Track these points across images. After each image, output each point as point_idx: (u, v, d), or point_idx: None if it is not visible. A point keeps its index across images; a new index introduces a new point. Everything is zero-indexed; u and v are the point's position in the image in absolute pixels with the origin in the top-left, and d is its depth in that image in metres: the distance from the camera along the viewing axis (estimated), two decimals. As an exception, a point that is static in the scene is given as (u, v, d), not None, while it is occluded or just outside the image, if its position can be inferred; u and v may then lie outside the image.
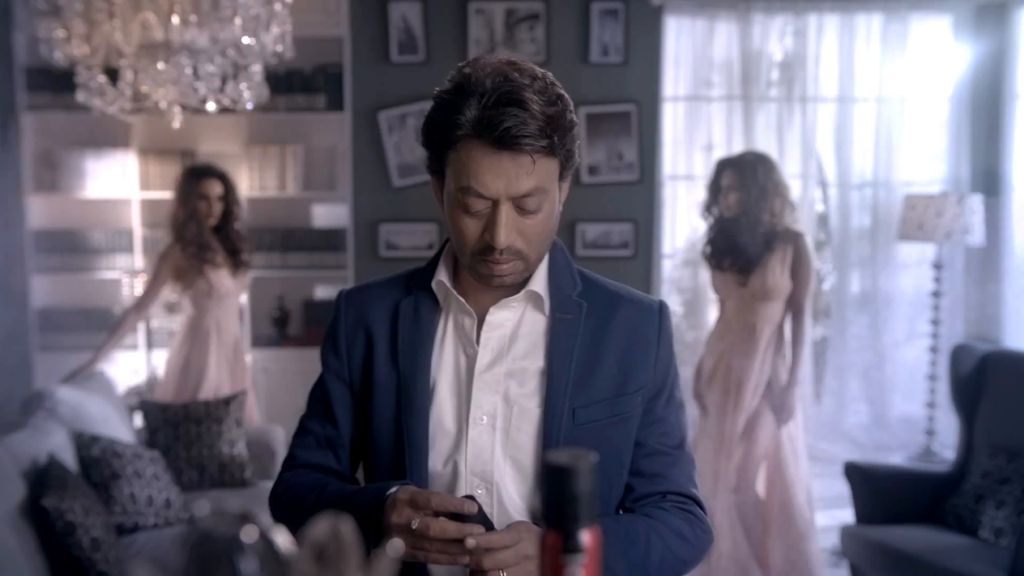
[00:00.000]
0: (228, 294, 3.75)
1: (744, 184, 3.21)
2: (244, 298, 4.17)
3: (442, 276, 1.25)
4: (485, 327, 1.24)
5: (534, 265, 1.22)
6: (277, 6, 3.12)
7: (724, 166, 3.33)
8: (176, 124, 3.29)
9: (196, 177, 3.70)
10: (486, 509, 1.18)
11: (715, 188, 3.33)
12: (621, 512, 1.28)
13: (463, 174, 1.14)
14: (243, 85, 3.20)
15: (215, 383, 3.71)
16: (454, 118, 1.13)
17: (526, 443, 1.21)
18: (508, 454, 1.21)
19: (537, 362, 1.23)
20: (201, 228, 3.68)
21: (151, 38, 3.04)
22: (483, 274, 1.20)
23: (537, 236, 1.19)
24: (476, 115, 1.12)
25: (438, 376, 1.24)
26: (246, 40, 3.05)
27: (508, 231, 1.15)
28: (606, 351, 1.25)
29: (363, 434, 1.30)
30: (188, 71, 3.06)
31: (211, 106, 3.25)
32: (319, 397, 1.32)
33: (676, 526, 1.23)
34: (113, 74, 3.21)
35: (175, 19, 2.99)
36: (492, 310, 1.24)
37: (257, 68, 3.22)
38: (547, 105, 1.13)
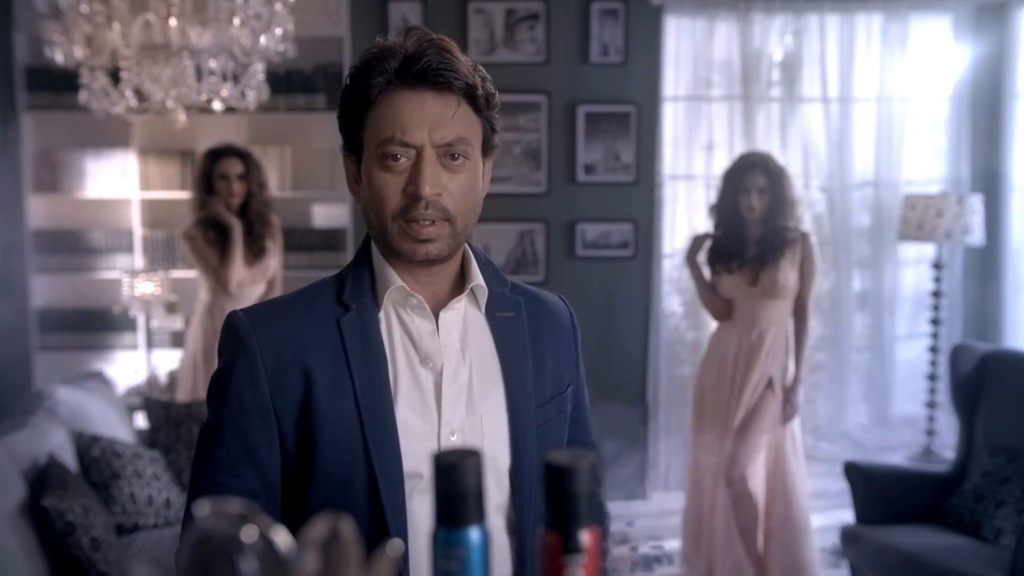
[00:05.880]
0: (239, 284, 3.58)
1: (772, 186, 3.21)
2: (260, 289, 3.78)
3: (398, 282, 1.13)
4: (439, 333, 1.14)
5: (460, 237, 1.13)
6: (278, 6, 3.12)
7: (747, 167, 3.27)
8: (180, 124, 3.28)
9: (214, 157, 3.55)
10: None
11: (734, 188, 3.28)
12: None
13: (384, 125, 1.09)
14: (246, 84, 3.20)
15: None
16: (375, 70, 1.10)
17: (500, 453, 1.14)
18: (484, 467, 1.16)
19: (491, 365, 1.16)
20: (218, 210, 3.51)
21: (153, 39, 3.03)
22: (407, 241, 1.11)
23: (463, 197, 1.11)
24: (398, 64, 1.09)
25: (396, 395, 1.11)
26: (247, 41, 3.05)
27: (433, 180, 1.08)
28: (544, 349, 1.22)
29: (294, 478, 1.14)
30: (190, 71, 3.06)
31: (217, 105, 3.24)
32: (235, 445, 1.11)
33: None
34: (117, 75, 3.20)
35: (173, 21, 2.99)
36: (442, 314, 1.14)
37: (259, 68, 3.22)
38: (470, 65, 1.12)
